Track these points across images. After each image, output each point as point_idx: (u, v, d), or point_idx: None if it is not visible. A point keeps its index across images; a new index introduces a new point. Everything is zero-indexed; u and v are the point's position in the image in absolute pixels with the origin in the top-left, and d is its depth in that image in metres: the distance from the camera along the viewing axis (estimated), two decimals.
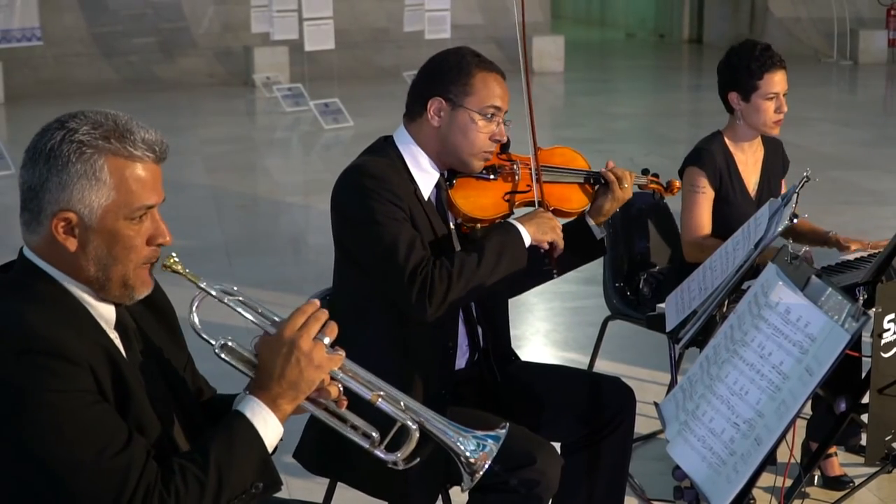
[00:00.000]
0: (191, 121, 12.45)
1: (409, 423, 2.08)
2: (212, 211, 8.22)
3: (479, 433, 2.12)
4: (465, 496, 2.83)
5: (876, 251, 3.75)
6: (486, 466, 2.11)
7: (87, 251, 1.94)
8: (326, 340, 2.02)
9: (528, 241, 2.91)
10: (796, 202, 2.88)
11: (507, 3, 17.98)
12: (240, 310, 2.07)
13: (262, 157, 10.67)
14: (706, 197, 3.95)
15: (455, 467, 2.16)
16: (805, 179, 2.96)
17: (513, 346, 3.23)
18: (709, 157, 3.96)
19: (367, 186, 2.80)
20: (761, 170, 4.08)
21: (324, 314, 2.04)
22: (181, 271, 2.04)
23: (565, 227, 3.12)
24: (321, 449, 2.94)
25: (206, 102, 13.90)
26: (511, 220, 2.96)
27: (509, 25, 15.60)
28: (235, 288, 2.10)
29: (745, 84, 3.89)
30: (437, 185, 2.97)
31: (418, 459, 2.11)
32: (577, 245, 3.10)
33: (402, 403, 2.09)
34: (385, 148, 2.95)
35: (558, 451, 3.13)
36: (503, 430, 2.17)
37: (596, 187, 3.15)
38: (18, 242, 2.02)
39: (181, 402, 2.14)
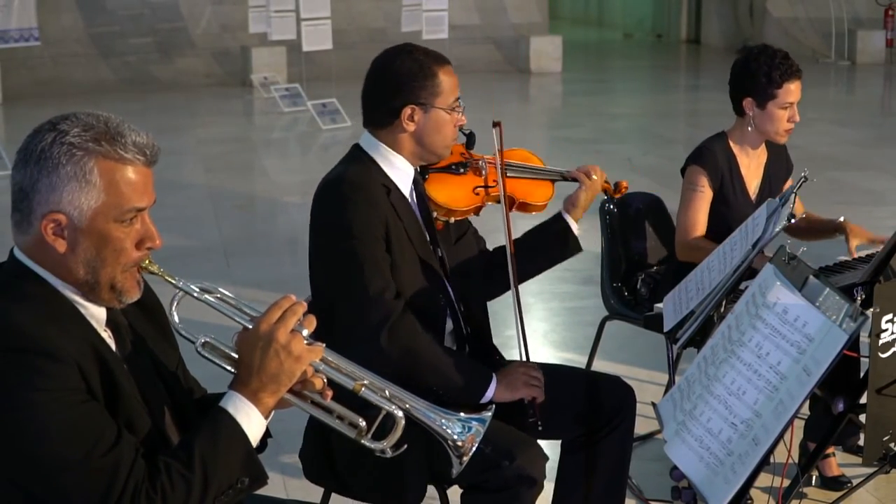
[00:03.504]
0: (188, 121, 12.43)
1: (395, 410, 2.07)
2: (209, 211, 8.21)
3: (464, 416, 2.12)
4: (460, 494, 2.84)
5: (873, 252, 3.74)
6: (474, 449, 2.10)
7: (77, 253, 1.94)
8: (305, 332, 2.02)
9: (490, 394, 2.88)
10: (794, 203, 2.88)
11: (504, 3, 18.05)
12: (217, 306, 2.06)
13: (260, 158, 10.66)
14: (704, 197, 3.92)
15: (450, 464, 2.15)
16: (803, 180, 2.95)
17: (510, 346, 3.23)
18: (711, 156, 3.93)
19: (346, 195, 2.85)
20: (763, 173, 4.05)
21: (301, 307, 2.03)
22: (157, 271, 2.03)
23: (542, 226, 3.15)
24: (318, 459, 2.94)
25: (204, 103, 13.89)
26: (490, 372, 2.91)
27: (506, 26, 15.66)
28: (211, 284, 2.09)
29: (763, 91, 3.84)
30: (414, 181, 3.03)
31: (406, 446, 2.11)
32: (554, 243, 3.19)
33: (386, 391, 2.09)
34: (359, 156, 3.00)
35: (558, 449, 3.13)
36: (489, 413, 2.17)
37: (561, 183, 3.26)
38: (11, 243, 2.01)
39: (174, 398, 2.14)
